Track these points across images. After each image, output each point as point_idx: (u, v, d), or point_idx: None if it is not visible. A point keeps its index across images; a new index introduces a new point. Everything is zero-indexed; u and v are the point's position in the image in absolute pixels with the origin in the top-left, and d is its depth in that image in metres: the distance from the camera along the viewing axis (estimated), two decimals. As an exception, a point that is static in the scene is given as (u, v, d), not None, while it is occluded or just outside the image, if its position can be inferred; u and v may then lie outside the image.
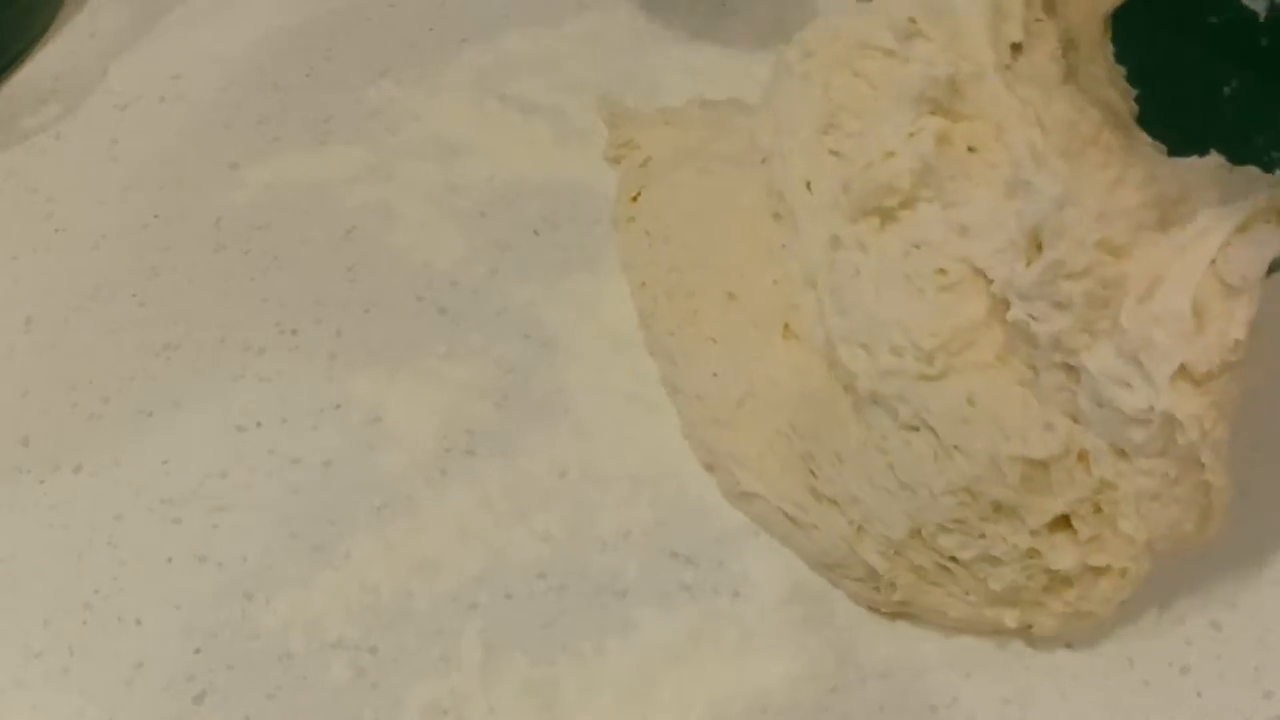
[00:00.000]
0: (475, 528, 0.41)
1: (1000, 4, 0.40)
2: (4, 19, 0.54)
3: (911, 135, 0.39)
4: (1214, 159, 0.36)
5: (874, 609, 0.39)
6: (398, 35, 0.56)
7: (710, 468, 0.42)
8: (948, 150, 0.39)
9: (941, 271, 0.38)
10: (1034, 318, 0.36)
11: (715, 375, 0.42)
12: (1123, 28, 0.41)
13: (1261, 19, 0.36)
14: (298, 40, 0.55)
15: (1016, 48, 0.40)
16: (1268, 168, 0.36)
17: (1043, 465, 0.36)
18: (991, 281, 0.37)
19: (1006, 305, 0.37)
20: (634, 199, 0.47)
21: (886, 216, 0.40)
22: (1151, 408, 0.34)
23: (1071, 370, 0.36)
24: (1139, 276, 0.35)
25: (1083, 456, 0.36)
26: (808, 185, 0.42)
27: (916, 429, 0.38)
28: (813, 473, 0.40)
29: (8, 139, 0.52)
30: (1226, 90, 0.41)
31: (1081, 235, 0.35)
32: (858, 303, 0.40)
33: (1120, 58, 0.42)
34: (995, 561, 0.37)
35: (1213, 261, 0.34)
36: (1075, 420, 0.36)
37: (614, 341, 0.45)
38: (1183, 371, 0.34)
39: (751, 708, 0.37)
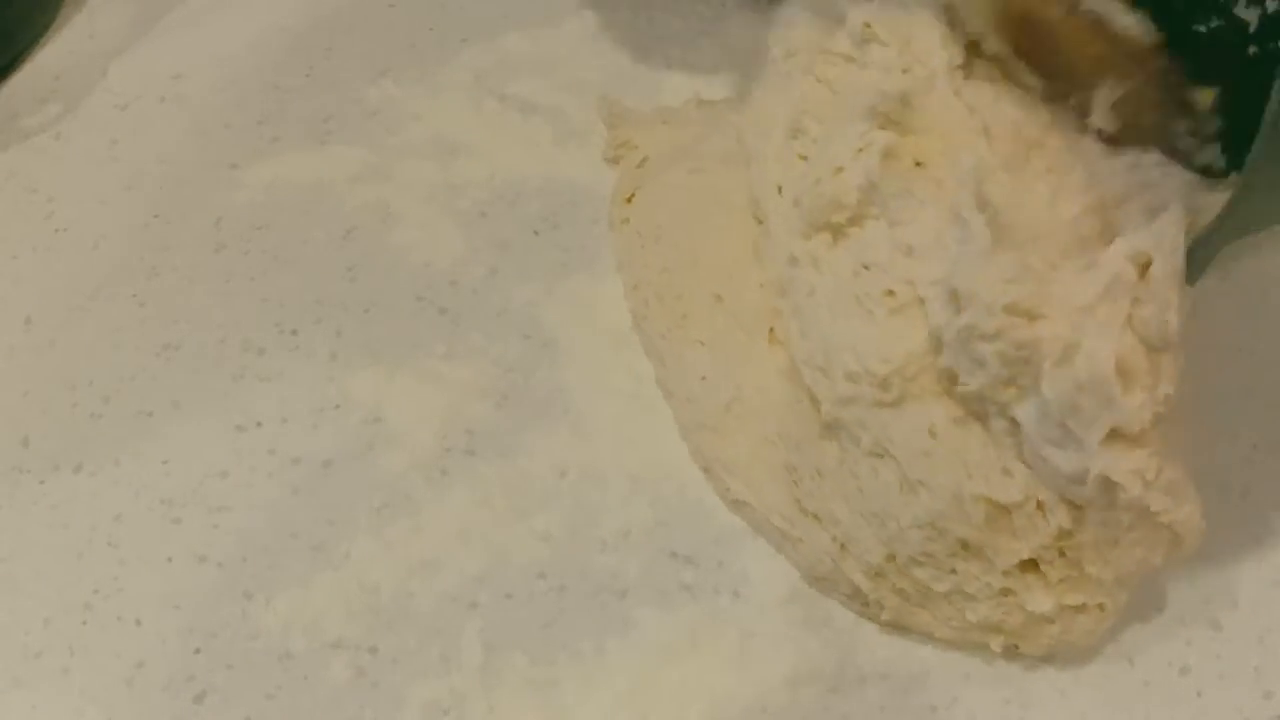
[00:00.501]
0: (475, 528, 0.41)
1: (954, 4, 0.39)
2: (4, 19, 0.54)
3: (860, 151, 0.38)
4: (1155, 155, 0.35)
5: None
6: (398, 35, 0.56)
7: (705, 471, 0.42)
8: (894, 166, 0.38)
9: (890, 293, 0.37)
10: (959, 368, 0.35)
11: (704, 379, 0.42)
12: None
13: (1252, 30, 0.36)
14: (298, 40, 0.55)
15: (971, 47, 0.39)
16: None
17: (1005, 509, 0.35)
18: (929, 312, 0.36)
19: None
20: (628, 200, 0.47)
21: (837, 233, 0.39)
22: (1086, 469, 0.33)
23: (1014, 420, 0.35)
24: (1053, 339, 0.33)
25: (1040, 505, 0.35)
26: (779, 189, 0.42)
27: (881, 456, 0.37)
28: (796, 484, 0.40)
29: (8, 139, 0.52)
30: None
31: (990, 299, 0.34)
32: (814, 324, 0.39)
33: None
34: (969, 597, 0.37)
35: (1129, 320, 0.33)
36: (1027, 467, 0.35)
37: (614, 341, 0.45)
38: (1114, 433, 0.33)
39: (751, 708, 0.37)
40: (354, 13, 0.57)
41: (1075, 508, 0.35)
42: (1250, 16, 0.36)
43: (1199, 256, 0.34)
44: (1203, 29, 0.37)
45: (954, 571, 0.36)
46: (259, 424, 0.43)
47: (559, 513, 0.41)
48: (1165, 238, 0.33)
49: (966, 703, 0.37)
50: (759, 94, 0.45)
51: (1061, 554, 0.36)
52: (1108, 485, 0.34)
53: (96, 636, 0.39)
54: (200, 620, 0.39)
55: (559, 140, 0.51)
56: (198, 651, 0.39)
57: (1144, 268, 0.33)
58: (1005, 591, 0.36)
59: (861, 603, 0.39)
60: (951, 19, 0.39)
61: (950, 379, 0.36)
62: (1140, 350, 0.33)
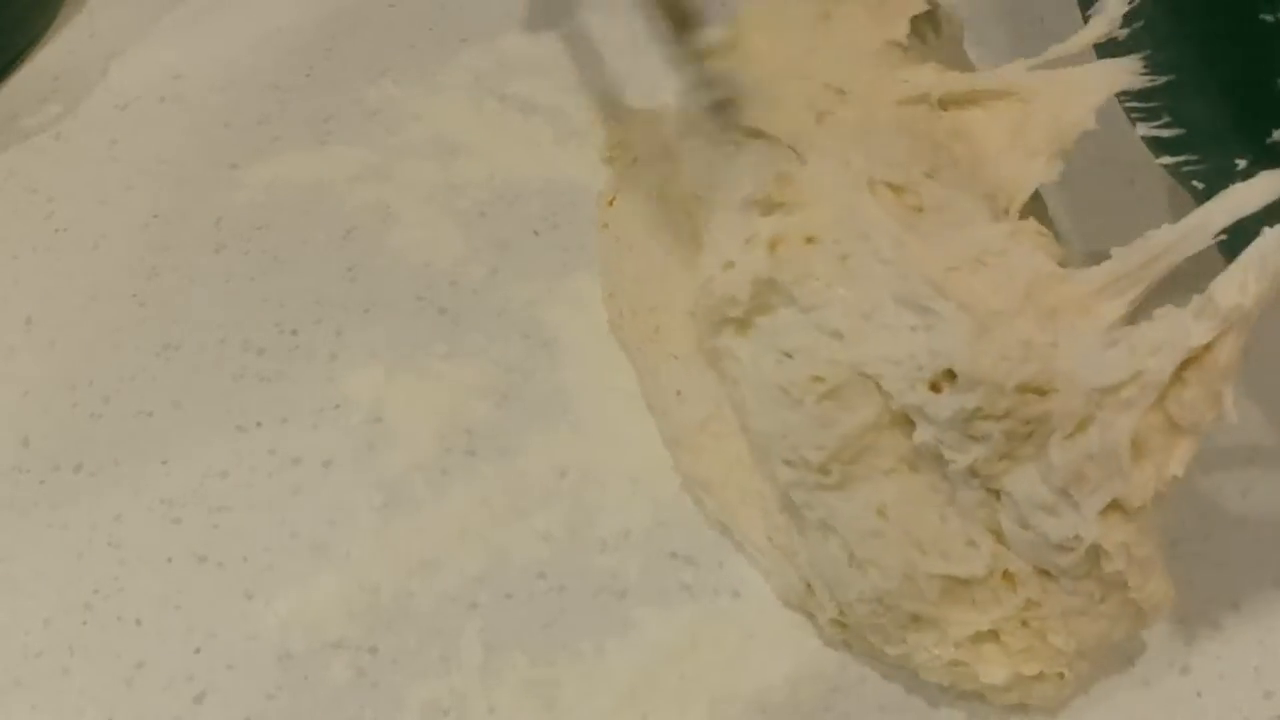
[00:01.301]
0: (475, 528, 0.41)
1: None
2: (4, 18, 0.54)
3: (746, 242, 0.37)
4: None
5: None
6: (398, 35, 0.56)
7: (683, 486, 0.41)
8: (786, 250, 0.37)
9: (818, 379, 0.36)
10: (945, 445, 0.34)
11: (679, 394, 0.41)
12: (1166, 18, 0.39)
13: None
14: (298, 40, 0.55)
15: (839, 93, 0.39)
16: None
17: (964, 583, 0.35)
18: (880, 389, 0.35)
19: (905, 416, 0.35)
20: (610, 203, 0.47)
21: (741, 325, 0.38)
22: (1078, 536, 0.33)
23: (992, 490, 0.35)
24: (1066, 415, 0.33)
25: (1008, 576, 0.35)
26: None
27: (831, 530, 0.36)
28: (766, 515, 0.39)
29: (8, 139, 0.52)
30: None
31: (1000, 379, 0.33)
32: (743, 412, 0.39)
33: (1156, 43, 0.39)
34: (923, 665, 0.36)
35: (1163, 400, 0.33)
36: (999, 538, 0.35)
37: (614, 342, 0.45)
38: (1114, 504, 0.33)
39: (751, 708, 0.37)
40: (354, 13, 0.57)
41: (1047, 578, 0.35)
42: None
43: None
44: (1269, 19, 0.36)
45: (904, 641, 0.36)
46: (259, 424, 0.43)
47: (559, 513, 0.41)
48: (1235, 315, 0.32)
49: (967, 701, 0.37)
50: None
51: (1024, 624, 0.35)
52: (1095, 552, 0.33)
53: (96, 636, 0.39)
54: (200, 620, 0.39)
55: (559, 140, 0.51)
56: (198, 651, 0.39)
57: (1196, 353, 0.32)
58: (957, 663, 0.36)
59: (838, 637, 0.38)
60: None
61: (914, 452, 0.35)
62: (1164, 428, 0.33)
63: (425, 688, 0.38)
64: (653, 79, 0.53)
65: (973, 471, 0.34)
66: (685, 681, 0.38)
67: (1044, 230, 0.37)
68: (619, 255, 0.45)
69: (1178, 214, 0.35)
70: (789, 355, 0.37)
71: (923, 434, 0.34)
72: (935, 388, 0.34)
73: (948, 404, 0.34)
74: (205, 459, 0.43)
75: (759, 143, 0.39)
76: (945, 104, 0.41)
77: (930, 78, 0.41)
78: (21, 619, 0.39)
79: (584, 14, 0.56)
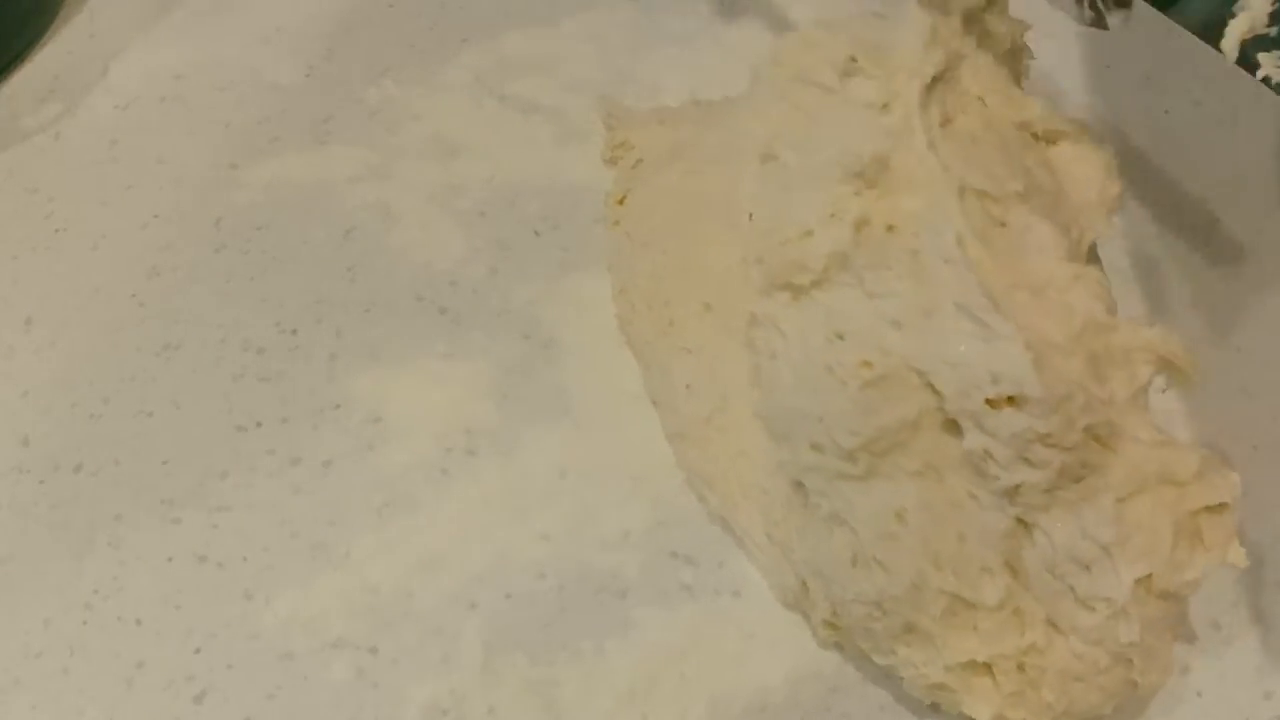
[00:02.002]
0: (475, 527, 0.41)
1: (935, 32, 0.39)
2: (4, 18, 0.54)
3: (832, 216, 0.37)
4: None
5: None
6: (397, 35, 0.56)
7: (686, 480, 0.41)
8: (866, 233, 0.37)
9: (867, 364, 0.35)
10: (994, 459, 0.34)
11: (688, 388, 0.41)
12: None
13: None
14: (298, 40, 0.55)
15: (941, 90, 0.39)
16: None
17: (971, 606, 0.35)
18: (934, 389, 0.35)
19: (946, 415, 0.35)
20: (620, 201, 0.47)
21: (798, 293, 0.38)
22: (1108, 599, 0.33)
23: (1022, 522, 0.34)
24: (1124, 478, 0.34)
25: (1018, 614, 0.35)
26: (750, 216, 0.41)
27: (840, 524, 0.36)
28: (767, 511, 0.39)
29: (8, 139, 0.52)
30: None
31: (1074, 415, 0.33)
32: (775, 387, 0.38)
33: None
34: (908, 680, 0.36)
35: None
36: (1015, 573, 0.35)
37: (614, 341, 0.45)
38: (1146, 579, 0.33)
39: (751, 708, 0.37)
40: (354, 13, 0.57)
41: (1056, 632, 0.35)
42: None
43: None
44: None
45: (894, 653, 0.36)
46: (259, 424, 0.43)
47: (559, 512, 0.41)
48: None
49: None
50: (744, 105, 0.44)
51: (1020, 668, 0.35)
52: (1116, 619, 0.33)
53: (96, 636, 0.39)
54: (200, 620, 0.39)
55: (559, 140, 0.51)
56: (198, 651, 0.39)
57: None
58: (941, 687, 0.35)
59: (832, 640, 0.38)
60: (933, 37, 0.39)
61: (941, 458, 0.35)
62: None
63: (425, 688, 0.38)
64: (652, 79, 0.53)
65: (1013, 496, 0.34)
66: (685, 681, 0.38)
67: (1104, 280, 0.37)
68: (631, 253, 0.45)
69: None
70: (841, 336, 0.36)
71: (972, 441, 0.34)
72: (993, 402, 0.34)
73: (1013, 421, 0.33)
74: (205, 459, 0.43)
75: (866, 113, 0.39)
76: (1041, 134, 0.41)
77: (1038, 109, 0.41)
78: (21, 619, 0.39)
79: (584, 14, 0.56)
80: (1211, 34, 0.40)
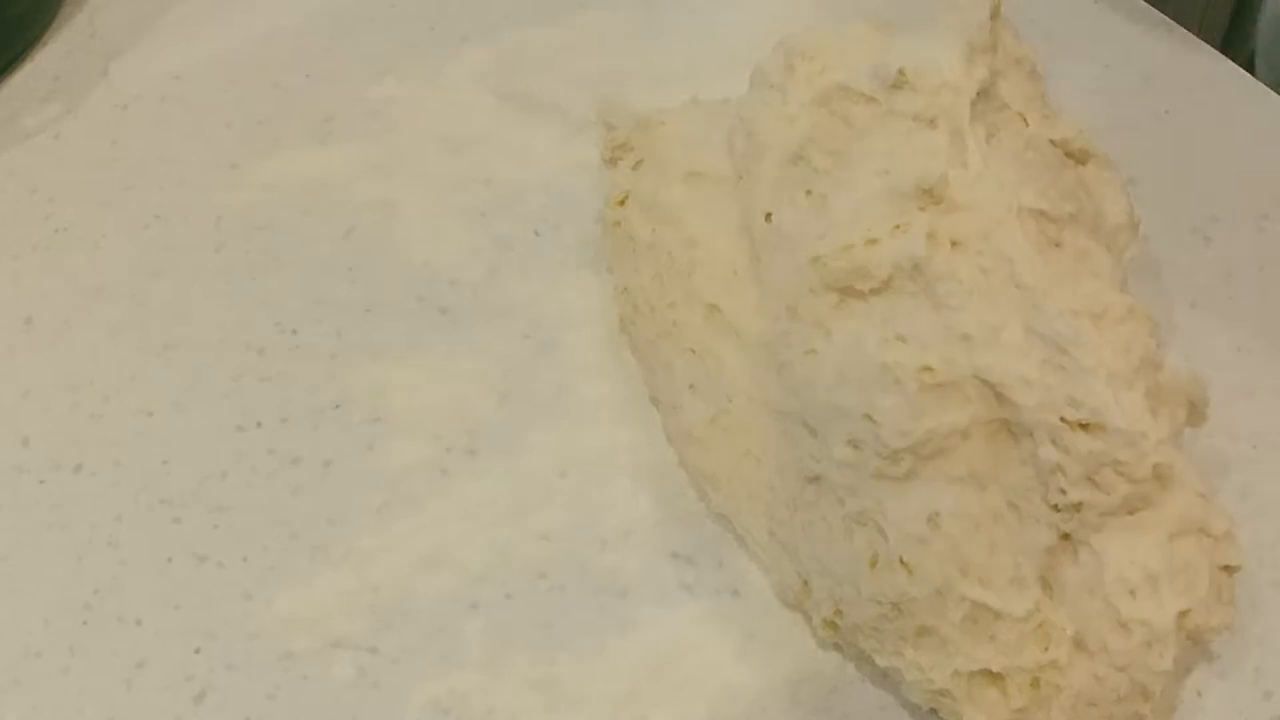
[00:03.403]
0: (476, 527, 0.41)
1: (974, 47, 0.39)
2: (4, 19, 0.54)
3: (897, 227, 0.37)
4: None
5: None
6: (398, 34, 0.56)
7: (689, 480, 0.41)
8: (934, 247, 0.37)
9: (928, 369, 0.35)
10: (1064, 474, 0.34)
11: (691, 388, 0.41)
12: None
13: None
14: (298, 39, 0.55)
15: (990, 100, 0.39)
16: None
17: (995, 615, 0.34)
18: (1001, 400, 0.35)
19: (1001, 424, 0.35)
20: (620, 202, 0.47)
21: (857, 295, 0.38)
22: (1148, 624, 0.34)
23: (1067, 540, 0.35)
24: (1176, 517, 0.34)
25: (1044, 628, 0.34)
26: (767, 217, 0.41)
27: (862, 525, 0.36)
28: (772, 508, 0.39)
29: (8, 139, 0.52)
30: None
31: (1147, 451, 0.34)
32: (810, 384, 0.37)
33: None
34: (910, 683, 0.36)
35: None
36: (1048, 586, 0.35)
37: (614, 341, 0.45)
38: (1184, 615, 0.34)
39: (751, 707, 0.37)
40: (355, 12, 0.57)
41: (1082, 652, 0.34)
42: None
43: None
44: None
45: (900, 654, 0.36)
46: (259, 424, 0.43)
47: (559, 512, 0.41)
48: None
49: (967, 703, 0.37)
50: (748, 105, 0.44)
51: (1034, 684, 0.34)
52: (1149, 646, 0.34)
53: (96, 636, 0.39)
54: (200, 620, 0.39)
55: (560, 139, 0.51)
56: (198, 651, 0.39)
57: None
58: (944, 693, 0.35)
59: (831, 641, 0.38)
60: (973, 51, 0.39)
61: (983, 469, 0.35)
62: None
63: (426, 687, 0.38)
64: (653, 79, 0.53)
65: (1070, 513, 0.34)
66: (685, 681, 0.38)
67: (1151, 316, 0.38)
68: (633, 253, 0.45)
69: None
70: (902, 339, 0.36)
71: (1046, 454, 0.34)
72: (1068, 422, 0.34)
73: (1090, 444, 0.34)
74: (205, 459, 0.43)
75: (924, 132, 0.39)
76: (1074, 153, 0.42)
77: (1072, 127, 0.41)
78: (21, 619, 0.39)
79: (585, 13, 0.56)
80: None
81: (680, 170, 0.45)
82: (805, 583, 0.38)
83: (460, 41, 0.55)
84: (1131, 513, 0.34)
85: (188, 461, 0.43)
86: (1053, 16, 0.55)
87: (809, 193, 0.40)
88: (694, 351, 0.42)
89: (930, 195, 0.38)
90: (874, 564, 0.35)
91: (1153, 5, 0.56)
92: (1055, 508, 0.34)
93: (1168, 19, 0.55)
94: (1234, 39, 0.73)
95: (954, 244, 0.37)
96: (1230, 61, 0.54)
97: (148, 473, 0.42)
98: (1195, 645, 0.36)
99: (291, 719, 0.37)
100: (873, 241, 0.37)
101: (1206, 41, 0.55)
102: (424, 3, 0.57)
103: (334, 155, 0.51)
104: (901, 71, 0.39)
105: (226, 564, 0.40)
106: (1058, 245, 0.38)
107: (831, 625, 0.37)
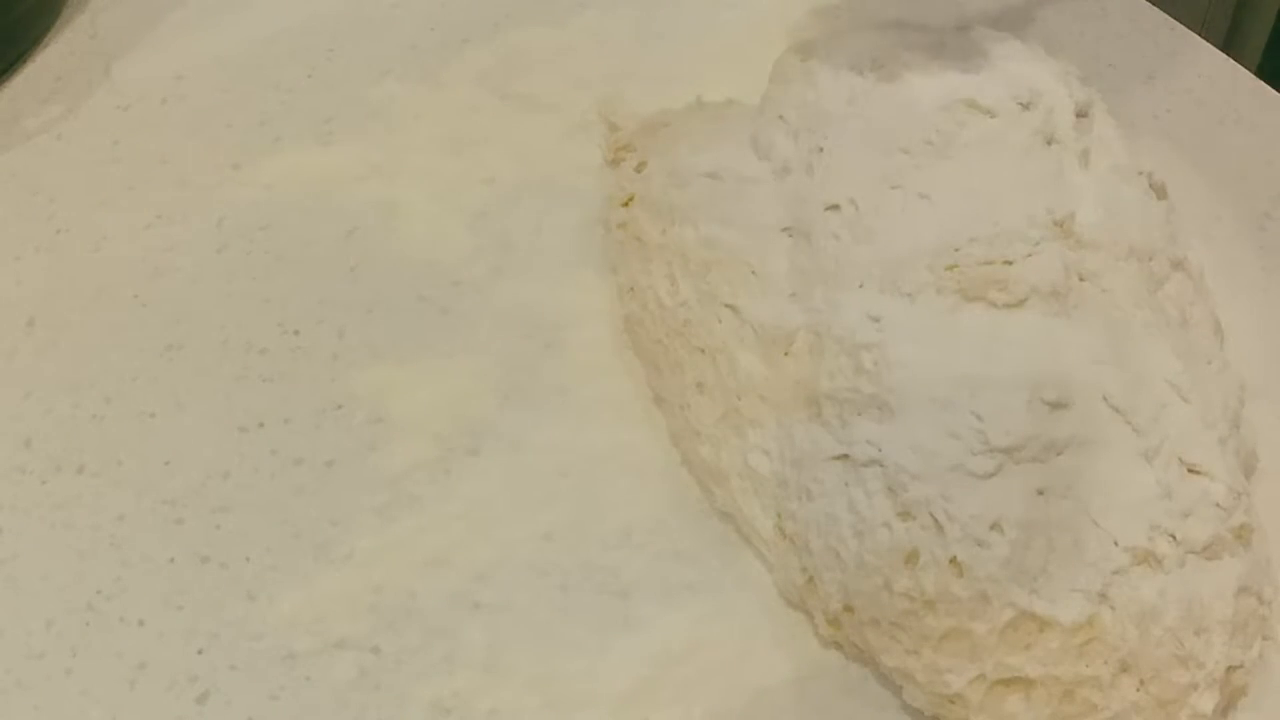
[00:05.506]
0: (478, 527, 0.41)
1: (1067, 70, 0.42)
2: (6, 20, 0.54)
3: (1031, 255, 0.39)
4: None
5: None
6: (399, 35, 0.56)
7: (694, 478, 0.41)
8: (1068, 277, 0.39)
9: (1063, 406, 0.36)
10: (1173, 500, 0.36)
11: (699, 385, 0.41)
12: None
13: None
14: (300, 40, 0.55)
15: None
16: None
17: (1039, 623, 0.34)
18: (1121, 423, 0.37)
19: (1102, 445, 0.36)
20: (625, 204, 0.47)
21: (976, 299, 0.39)
22: (1206, 668, 0.34)
23: (1141, 565, 0.35)
24: (1245, 573, 0.36)
25: (1094, 644, 0.34)
26: (848, 203, 0.41)
27: (910, 518, 0.35)
28: (781, 503, 0.39)
29: (10, 140, 0.52)
30: None
31: (1241, 505, 0.37)
32: (912, 378, 0.37)
33: None
34: (917, 685, 0.35)
35: None
36: (1105, 600, 0.35)
37: (616, 341, 0.45)
38: (1230, 671, 0.35)
39: (751, 707, 0.37)
40: (356, 13, 0.57)
41: (1126, 674, 0.34)
42: None
43: None
44: None
45: (915, 654, 0.35)
46: (261, 424, 0.43)
47: (561, 512, 0.41)
48: None
49: (969, 702, 0.37)
50: (785, 101, 0.45)
51: (1068, 696, 0.34)
52: (1200, 693, 0.34)
53: (99, 637, 0.39)
54: (203, 621, 0.39)
55: (561, 139, 0.51)
56: (200, 652, 0.39)
57: None
58: (955, 699, 0.35)
59: (833, 640, 0.38)
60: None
61: (1077, 486, 0.36)
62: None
63: (428, 687, 0.38)
64: (655, 79, 0.53)
65: (1162, 541, 0.35)
66: (687, 680, 0.38)
67: (1238, 373, 0.41)
68: (639, 254, 0.45)
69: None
70: (1029, 350, 0.38)
71: (1162, 477, 0.36)
72: (1183, 461, 0.37)
73: (1199, 485, 0.36)
74: (207, 459, 0.43)
75: (1044, 153, 0.42)
76: (1154, 186, 0.45)
77: (1153, 160, 0.45)
78: (24, 620, 0.39)
79: (586, 13, 0.56)
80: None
81: (694, 171, 0.45)
82: (811, 578, 0.38)
83: (461, 42, 0.55)
84: (1212, 559, 0.35)
85: (190, 462, 0.43)
86: (1053, 16, 0.55)
87: (897, 188, 0.41)
88: (703, 351, 0.42)
89: (1061, 228, 0.40)
90: (910, 559, 0.35)
91: (1154, 5, 0.56)
92: (1145, 534, 0.35)
93: (1169, 19, 0.55)
94: (1235, 39, 0.73)
95: (1081, 278, 0.39)
96: (1231, 61, 0.54)
97: (150, 473, 0.42)
98: (1228, 702, 0.36)
99: (294, 719, 0.37)
100: (1008, 262, 0.39)
101: (1208, 41, 0.55)
102: (425, 4, 0.57)
103: (335, 155, 0.51)
104: (1026, 98, 0.42)
105: (229, 564, 0.40)
106: (1162, 284, 0.40)
107: (836, 623, 0.37)
